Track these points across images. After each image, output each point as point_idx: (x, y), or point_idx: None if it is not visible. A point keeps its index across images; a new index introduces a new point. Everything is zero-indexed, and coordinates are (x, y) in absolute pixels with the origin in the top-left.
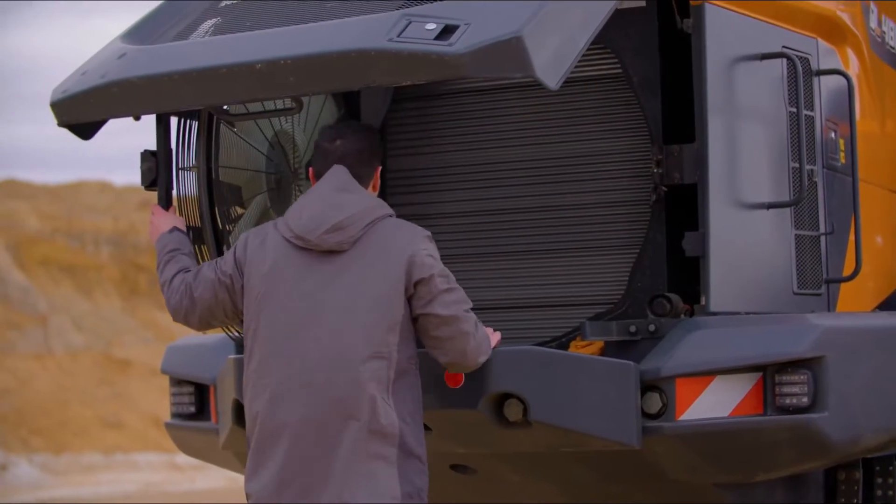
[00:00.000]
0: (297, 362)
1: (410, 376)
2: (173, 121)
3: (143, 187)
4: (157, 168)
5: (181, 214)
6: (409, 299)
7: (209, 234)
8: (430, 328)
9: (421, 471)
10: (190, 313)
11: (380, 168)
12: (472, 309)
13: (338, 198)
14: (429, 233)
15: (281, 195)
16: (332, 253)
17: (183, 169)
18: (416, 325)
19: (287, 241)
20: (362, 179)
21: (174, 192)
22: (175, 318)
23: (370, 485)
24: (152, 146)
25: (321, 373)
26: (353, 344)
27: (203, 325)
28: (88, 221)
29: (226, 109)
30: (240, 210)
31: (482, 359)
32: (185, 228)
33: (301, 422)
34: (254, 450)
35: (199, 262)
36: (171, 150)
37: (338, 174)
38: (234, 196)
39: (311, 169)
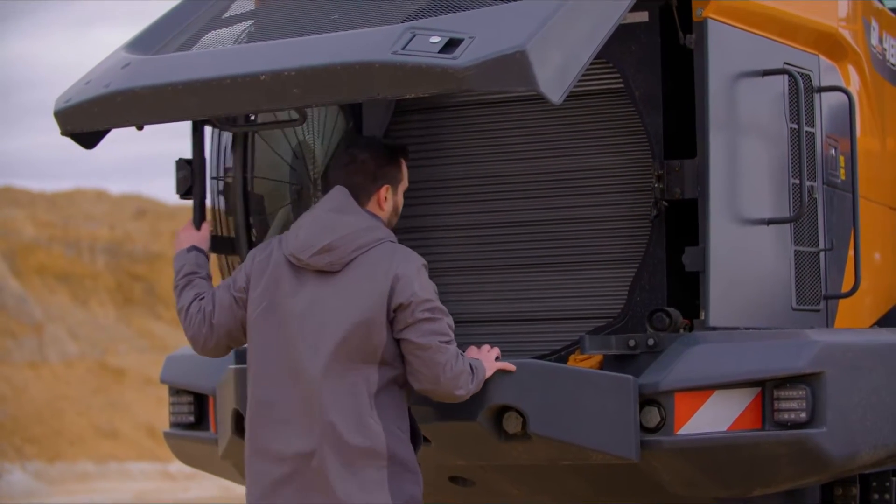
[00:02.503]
0: (282, 378)
1: (395, 393)
2: (207, 130)
3: (178, 195)
4: (192, 177)
5: (213, 223)
6: (392, 322)
7: (244, 244)
8: (406, 353)
9: (413, 481)
10: (209, 339)
11: (386, 186)
12: (473, 322)
13: (331, 219)
14: (423, 261)
15: (301, 207)
16: (325, 273)
17: (216, 178)
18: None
19: (286, 259)
20: (363, 192)
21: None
22: (194, 348)
23: (363, 495)
24: (151, 155)
25: (302, 390)
26: (334, 362)
27: (222, 349)
28: (84, 230)
29: (230, 120)
30: None
31: (460, 392)
32: (207, 247)
33: (286, 438)
34: (246, 463)
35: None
36: (205, 159)
37: (335, 195)
38: (258, 206)
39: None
